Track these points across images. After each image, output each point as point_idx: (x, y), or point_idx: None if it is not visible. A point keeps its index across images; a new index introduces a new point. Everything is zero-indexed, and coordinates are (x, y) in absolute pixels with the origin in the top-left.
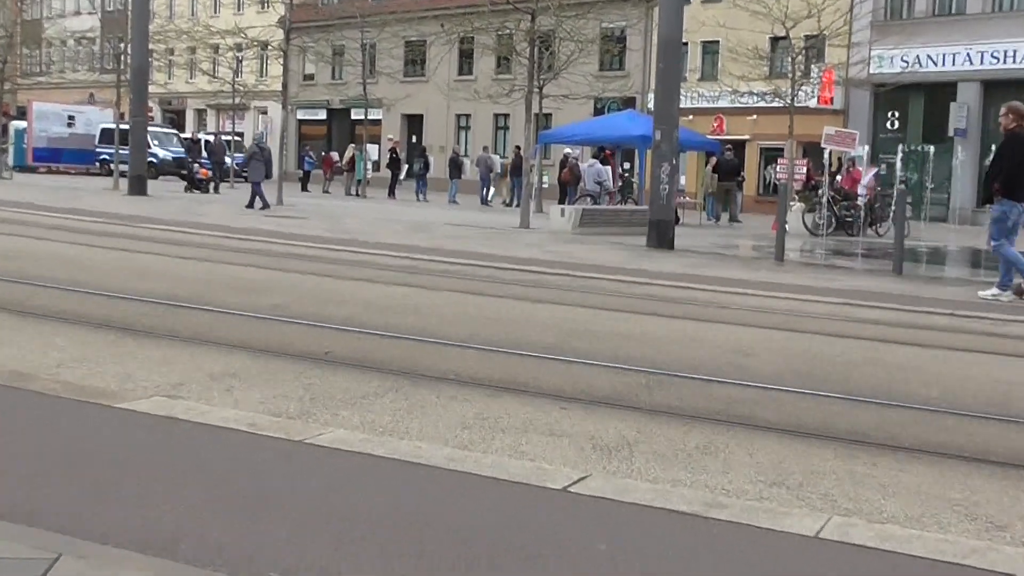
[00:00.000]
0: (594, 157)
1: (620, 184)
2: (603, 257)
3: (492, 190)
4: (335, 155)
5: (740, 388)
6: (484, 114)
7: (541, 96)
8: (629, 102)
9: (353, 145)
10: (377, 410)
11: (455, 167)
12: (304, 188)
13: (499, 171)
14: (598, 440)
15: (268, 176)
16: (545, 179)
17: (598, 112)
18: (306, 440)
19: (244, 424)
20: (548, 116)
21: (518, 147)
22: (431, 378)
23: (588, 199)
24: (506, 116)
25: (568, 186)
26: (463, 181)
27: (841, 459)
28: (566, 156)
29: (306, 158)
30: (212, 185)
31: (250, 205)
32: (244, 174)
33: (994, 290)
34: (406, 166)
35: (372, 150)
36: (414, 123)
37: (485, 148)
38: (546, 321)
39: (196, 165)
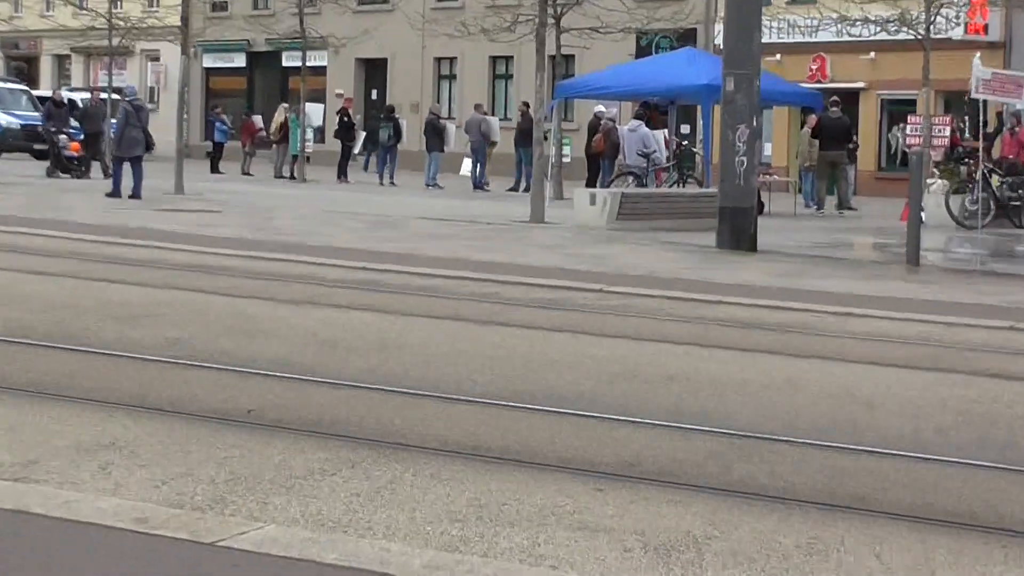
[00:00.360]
0: (638, 118)
1: (676, 156)
2: (653, 264)
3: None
4: (258, 120)
5: (859, 455)
6: (476, 58)
7: (559, 30)
8: (686, 37)
9: (286, 105)
10: (325, 495)
11: (435, 135)
12: (215, 168)
13: (498, 139)
14: (651, 536)
15: (149, 148)
16: (566, 151)
17: (642, 52)
18: (221, 542)
19: (130, 519)
20: (569, 59)
21: (526, 104)
22: (405, 447)
23: (630, 179)
24: (508, 60)
25: (601, 160)
26: (447, 155)
27: (1016, 561)
28: (597, 117)
29: (217, 124)
30: (86, 165)
31: (135, 194)
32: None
33: None
34: (363, 134)
35: (314, 112)
36: (375, 72)
37: (479, 107)
38: (573, 360)
39: (63, 137)
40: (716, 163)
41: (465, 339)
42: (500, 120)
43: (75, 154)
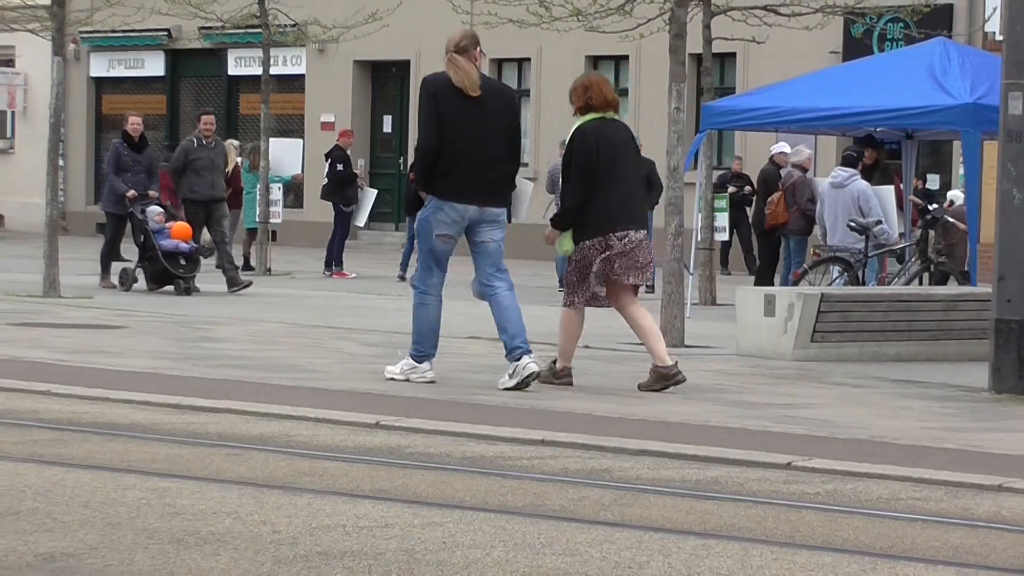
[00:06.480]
0: (848, 164)
1: (918, 231)
2: (880, 420)
3: None
4: None
5: None
6: (563, 60)
7: (709, 10)
8: (934, 20)
9: (235, 143)
10: None
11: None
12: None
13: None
14: None
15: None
16: (721, 221)
17: (856, 49)
18: None
19: None
20: (727, 61)
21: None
22: None
23: (834, 270)
24: (619, 63)
25: (784, 236)
26: (517, 228)
27: None
28: (776, 163)
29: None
30: (196, 266)
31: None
32: None
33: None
34: (372, 193)
35: (285, 155)
36: (387, 85)
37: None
38: None
39: (155, 210)
40: (987, 243)
41: (551, 551)
42: None
43: (183, 246)
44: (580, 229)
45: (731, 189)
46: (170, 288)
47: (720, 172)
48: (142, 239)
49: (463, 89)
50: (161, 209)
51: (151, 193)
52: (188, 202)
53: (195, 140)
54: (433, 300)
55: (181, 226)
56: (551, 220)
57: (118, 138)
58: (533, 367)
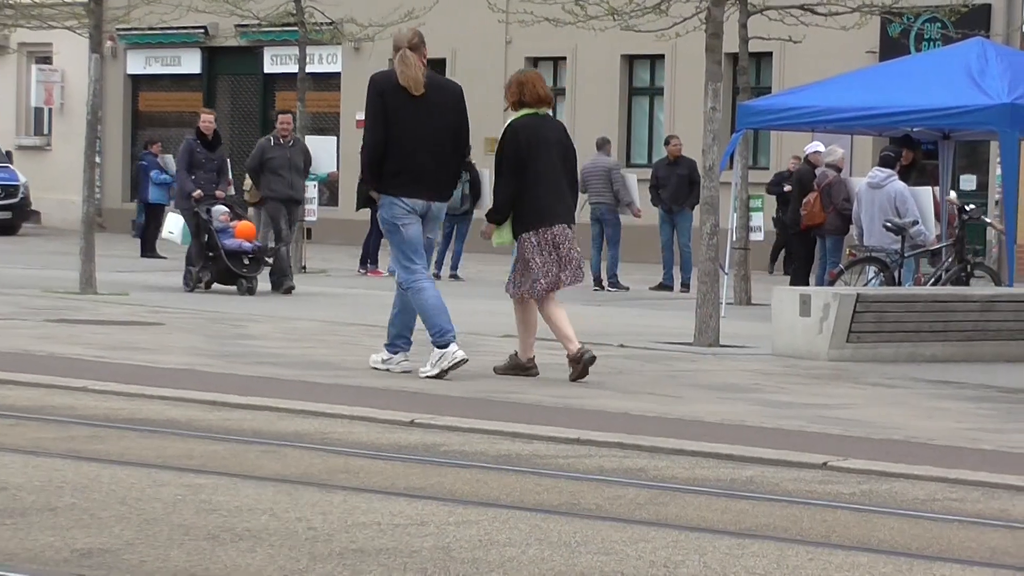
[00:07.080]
0: (885, 165)
1: (954, 232)
2: (916, 421)
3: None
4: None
5: None
6: (599, 59)
7: (745, 9)
8: (972, 20)
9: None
10: None
11: None
12: (149, 249)
13: (638, 210)
14: None
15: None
16: (756, 221)
17: (893, 49)
18: None
19: None
20: (763, 60)
21: (674, 140)
22: None
23: (870, 271)
24: (655, 63)
25: (820, 236)
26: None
27: None
28: (811, 163)
29: (153, 174)
30: (261, 265)
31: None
32: None
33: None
34: None
35: (321, 152)
36: None
37: (604, 144)
38: None
39: (220, 210)
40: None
41: (586, 550)
42: (630, 172)
43: (247, 245)
44: (515, 223)
45: (787, 188)
46: (208, 285)
47: (777, 172)
48: (206, 238)
49: (407, 88)
50: (226, 209)
51: (218, 193)
52: (270, 200)
53: (272, 139)
54: (426, 283)
55: (245, 225)
56: (486, 215)
57: (191, 134)
58: (460, 354)
